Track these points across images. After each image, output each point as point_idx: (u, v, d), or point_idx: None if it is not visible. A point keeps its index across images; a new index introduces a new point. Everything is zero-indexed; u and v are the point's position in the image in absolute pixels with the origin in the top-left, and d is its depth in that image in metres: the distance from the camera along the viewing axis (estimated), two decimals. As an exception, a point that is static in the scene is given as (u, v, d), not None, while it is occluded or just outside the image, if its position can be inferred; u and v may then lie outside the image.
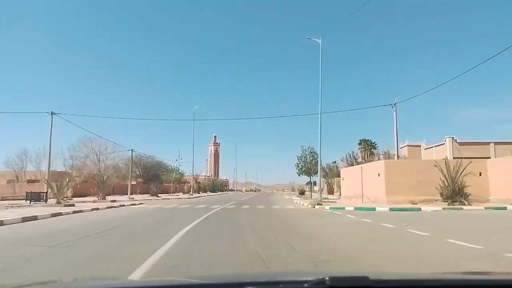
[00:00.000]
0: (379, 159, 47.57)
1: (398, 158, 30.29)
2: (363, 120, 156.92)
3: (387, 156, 50.56)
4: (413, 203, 21.06)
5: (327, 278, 1.41)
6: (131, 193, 47.19)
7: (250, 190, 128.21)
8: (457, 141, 28.56)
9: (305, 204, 24.34)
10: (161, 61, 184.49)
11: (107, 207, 20.38)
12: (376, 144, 55.28)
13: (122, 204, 23.69)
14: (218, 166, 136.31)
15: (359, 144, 55.56)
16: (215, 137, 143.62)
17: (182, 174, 73.32)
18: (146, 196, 43.39)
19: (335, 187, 51.72)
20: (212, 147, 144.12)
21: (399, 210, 17.64)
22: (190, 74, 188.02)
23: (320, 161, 24.99)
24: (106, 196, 28.58)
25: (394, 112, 31.22)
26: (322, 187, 26.77)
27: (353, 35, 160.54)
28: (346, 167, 51.66)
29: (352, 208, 18.68)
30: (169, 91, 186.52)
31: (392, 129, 31.69)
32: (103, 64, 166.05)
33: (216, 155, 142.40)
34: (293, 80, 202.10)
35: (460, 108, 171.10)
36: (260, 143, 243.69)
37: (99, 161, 53.60)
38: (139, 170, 61.00)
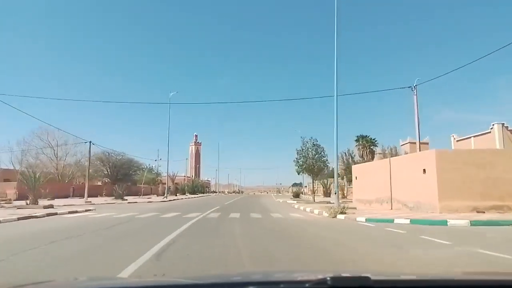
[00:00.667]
0: (385, 156, 41.56)
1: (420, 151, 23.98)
2: (359, 118, 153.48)
3: (394, 152, 44.70)
4: (478, 211, 14.63)
5: (328, 278, 1.36)
6: (93, 196, 39.48)
7: (234, 192, 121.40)
8: (508, 128, 22.50)
9: (316, 211, 17.50)
10: (161, 61, 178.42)
11: (18, 218, 12.98)
12: (375, 141, 49.57)
13: (55, 212, 16.28)
14: (199, 166, 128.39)
15: (356, 141, 49.46)
16: (196, 136, 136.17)
17: (158, 174, 65.53)
18: (110, 199, 35.67)
19: (332, 188, 45.64)
20: (193, 146, 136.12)
21: (484, 224, 11.03)
22: (190, 74, 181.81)
23: (337, 152, 18.16)
24: (38, 200, 21.07)
25: (415, 96, 25.44)
26: (338, 189, 20.03)
27: (355, 33, 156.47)
28: (341, 166, 45.47)
29: (407, 221, 11.83)
30: (169, 91, 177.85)
31: (393, 122, 25.84)
32: (101, 65, 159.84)
33: (197, 155, 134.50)
34: (293, 80, 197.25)
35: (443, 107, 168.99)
36: (244, 144, 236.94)
37: (56, 157, 45.48)
38: (106, 169, 52.86)
